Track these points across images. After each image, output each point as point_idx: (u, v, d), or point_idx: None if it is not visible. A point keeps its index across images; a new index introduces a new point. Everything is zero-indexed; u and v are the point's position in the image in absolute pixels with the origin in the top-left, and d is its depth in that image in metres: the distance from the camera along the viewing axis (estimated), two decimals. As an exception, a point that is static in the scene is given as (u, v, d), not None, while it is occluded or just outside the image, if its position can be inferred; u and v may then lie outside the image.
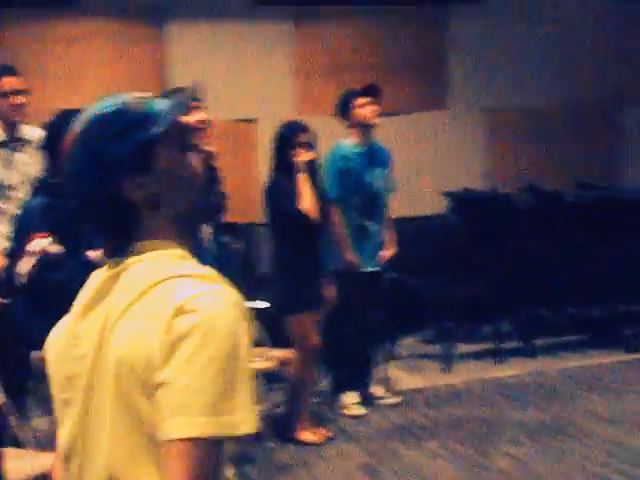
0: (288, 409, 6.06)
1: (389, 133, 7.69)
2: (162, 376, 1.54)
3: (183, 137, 1.78)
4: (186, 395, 1.52)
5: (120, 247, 1.73)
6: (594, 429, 6.08)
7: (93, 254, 3.90)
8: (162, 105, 1.77)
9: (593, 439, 5.92)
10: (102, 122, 1.73)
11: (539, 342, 7.92)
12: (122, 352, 1.61)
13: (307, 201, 5.73)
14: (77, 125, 1.75)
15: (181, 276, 1.64)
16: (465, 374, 7.37)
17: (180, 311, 1.56)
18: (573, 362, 7.59)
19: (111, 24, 8.08)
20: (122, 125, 1.72)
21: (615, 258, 7.98)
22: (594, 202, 8.11)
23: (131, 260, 1.71)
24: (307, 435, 5.98)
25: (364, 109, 6.39)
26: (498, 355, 7.65)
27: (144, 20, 8.16)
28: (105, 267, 1.77)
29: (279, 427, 6.01)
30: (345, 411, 6.50)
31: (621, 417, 6.28)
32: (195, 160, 1.78)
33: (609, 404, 6.56)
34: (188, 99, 1.76)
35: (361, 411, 6.50)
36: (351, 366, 6.57)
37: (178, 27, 8.22)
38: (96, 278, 1.77)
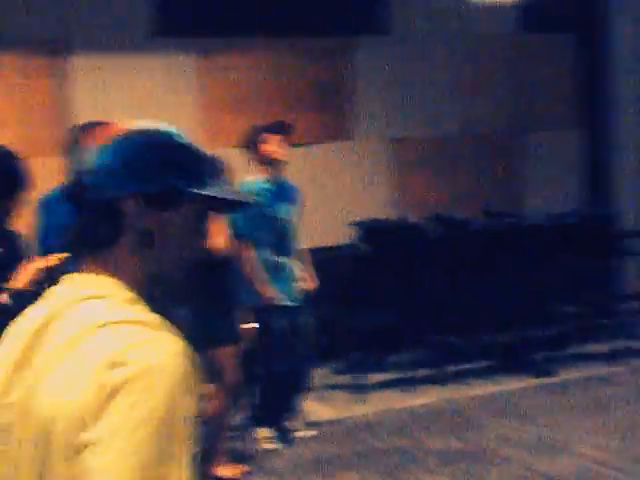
0: (206, 444, 5.97)
1: (297, 164, 7.71)
2: (90, 435, 1.41)
3: (205, 218, 1.71)
4: (114, 457, 1.38)
5: (82, 258, 1.64)
6: (508, 454, 6.15)
7: (2, 298, 3.79)
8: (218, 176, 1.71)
9: (507, 464, 5.98)
10: (165, 138, 1.67)
11: (449, 369, 7.99)
12: (47, 408, 1.49)
13: (219, 236, 5.69)
14: (134, 126, 1.69)
15: (120, 322, 1.51)
16: (378, 404, 7.38)
17: (115, 362, 1.43)
18: (483, 388, 7.67)
19: (11, 57, 7.92)
20: (177, 152, 1.66)
21: (523, 284, 8.11)
22: (500, 230, 8.24)
23: (71, 300, 1.59)
24: (225, 470, 5.91)
25: (270, 145, 6.38)
26: (409, 384, 7.68)
27: (45, 53, 8.02)
28: (43, 304, 1.65)
29: (196, 463, 5.90)
30: (260, 446, 6.44)
31: (533, 441, 6.36)
32: (201, 243, 1.70)
33: (521, 429, 6.64)
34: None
35: (275, 445, 6.45)
36: (271, 400, 6.52)
37: (80, 60, 8.10)
38: (31, 319, 1.64)
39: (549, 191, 9.75)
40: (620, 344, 8.51)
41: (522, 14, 9.68)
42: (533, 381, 7.80)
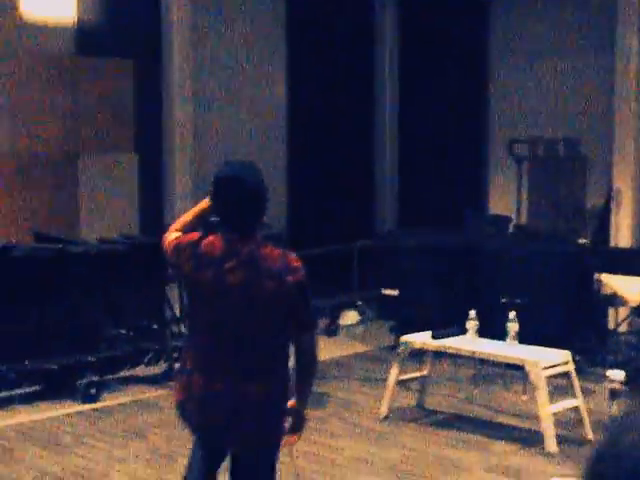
0: None
1: None
2: None
3: None
4: None
5: None
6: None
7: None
8: None
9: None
10: None
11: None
12: None
13: None
14: None
15: None
16: None
17: None
18: (27, 416, 7.48)
19: None
20: None
21: (74, 310, 8.07)
22: (49, 256, 8.04)
23: None
24: None
25: None
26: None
27: None
28: None
29: None
30: None
31: (69, 473, 6.30)
32: None
33: (59, 461, 6.53)
34: None
35: None
36: None
37: None
38: None
39: (101, 216, 9.81)
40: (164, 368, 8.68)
41: (82, 36, 9.71)
42: (78, 408, 7.74)
